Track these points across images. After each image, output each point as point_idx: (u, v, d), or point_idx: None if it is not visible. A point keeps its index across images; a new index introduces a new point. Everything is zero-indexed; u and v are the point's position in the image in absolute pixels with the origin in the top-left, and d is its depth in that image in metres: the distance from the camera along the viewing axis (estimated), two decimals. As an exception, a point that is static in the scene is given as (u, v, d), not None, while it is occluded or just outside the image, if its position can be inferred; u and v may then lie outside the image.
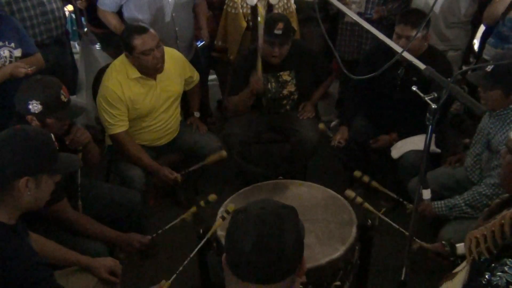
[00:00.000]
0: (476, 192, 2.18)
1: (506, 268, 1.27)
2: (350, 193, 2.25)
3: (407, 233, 1.77)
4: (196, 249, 2.09)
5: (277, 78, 2.98)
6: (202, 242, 2.08)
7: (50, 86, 2.06)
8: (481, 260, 1.39)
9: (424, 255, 1.98)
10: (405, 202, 2.34)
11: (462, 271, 1.49)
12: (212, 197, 2.30)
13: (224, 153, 2.77)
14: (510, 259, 1.28)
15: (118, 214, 2.40)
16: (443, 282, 1.60)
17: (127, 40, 2.50)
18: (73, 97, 3.68)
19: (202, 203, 2.29)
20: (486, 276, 1.31)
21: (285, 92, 3.02)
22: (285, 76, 2.98)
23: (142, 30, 2.50)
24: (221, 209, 2.27)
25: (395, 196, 2.39)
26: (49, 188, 1.64)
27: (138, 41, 2.48)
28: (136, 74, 2.59)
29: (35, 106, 2.00)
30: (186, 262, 2.04)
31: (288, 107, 3.11)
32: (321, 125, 2.98)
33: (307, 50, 3.08)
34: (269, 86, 2.98)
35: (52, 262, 1.83)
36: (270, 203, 1.13)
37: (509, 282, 1.25)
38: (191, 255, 2.08)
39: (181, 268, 2.03)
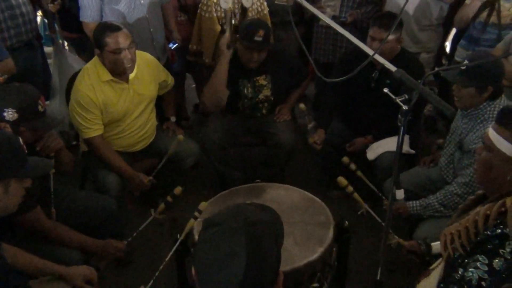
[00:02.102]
0: (448, 191, 2.23)
1: (478, 264, 1.29)
2: (342, 180, 2.28)
3: (383, 224, 1.78)
4: (170, 253, 2.09)
5: (254, 83, 2.98)
6: (176, 245, 2.08)
7: (28, 95, 2.03)
8: (455, 256, 1.41)
9: (400, 252, 2.00)
10: (383, 197, 2.38)
11: (437, 268, 1.52)
12: (178, 190, 2.34)
13: (180, 137, 2.81)
14: (482, 256, 1.30)
15: (94, 221, 2.37)
16: (421, 280, 1.62)
17: (99, 37, 2.48)
18: (46, 103, 3.65)
19: (169, 198, 2.33)
20: (459, 272, 1.33)
21: (261, 96, 3.02)
22: (261, 80, 2.99)
23: (116, 29, 2.49)
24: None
25: (375, 189, 2.42)
26: (18, 193, 1.60)
27: (110, 39, 2.46)
28: (108, 76, 2.56)
29: (10, 114, 1.96)
30: (161, 266, 2.04)
31: (264, 111, 3.12)
32: (301, 106, 3.00)
33: (283, 54, 3.10)
34: (245, 91, 2.99)
35: (26, 272, 1.79)
36: (245, 218, 1.05)
37: (481, 277, 1.27)
38: (166, 259, 2.08)
39: (157, 274, 2.02)
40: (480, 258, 1.29)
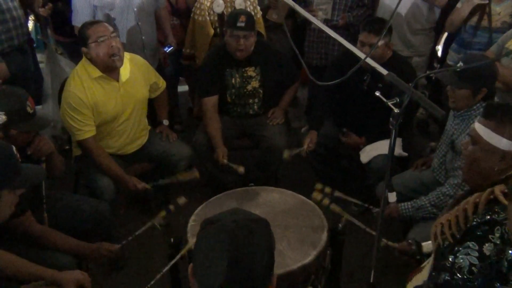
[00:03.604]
0: (440, 192, 2.25)
1: (469, 251, 1.31)
2: (316, 195, 2.28)
3: (374, 233, 1.79)
4: (168, 267, 2.05)
5: (242, 73, 3.00)
6: (175, 259, 2.05)
7: (15, 97, 2.02)
8: (445, 245, 1.42)
9: (392, 255, 2.01)
10: (371, 207, 2.37)
11: (429, 263, 1.53)
12: (182, 200, 2.30)
13: (196, 173, 2.73)
14: (472, 242, 1.32)
15: (87, 225, 2.35)
16: (412, 277, 1.63)
17: (82, 33, 2.52)
18: (38, 108, 3.63)
19: (171, 207, 2.28)
20: (450, 259, 1.35)
21: (249, 87, 3.03)
22: (250, 71, 3.01)
23: (95, 22, 2.56)
24: (192, 217, 2.26)
25: (359, 202, 2.42)
26: (10, 202, 1.59)
27: (90, 31, 2.49)
28: (97, 73, 2.56)
29: None
30: (158, 276, 2.00)
31: (255, 107, 3.12)
32: (286, 153, 2.85)
33: (273, 49, 3.13)
34: (233, 81, 3.00)
35: (17, 277, 1.78)
36: (242, 224, 1.08)
37: (472, 263, 1.30)
38: (163, 271, 2.03)
39: (152, 282, 1.99)
40: (470, 245, 1.32)
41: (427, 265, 1.55)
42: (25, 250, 1.98)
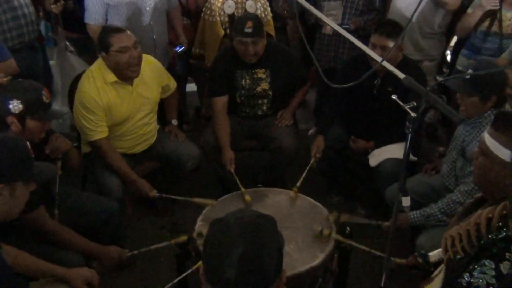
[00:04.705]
0: (450, 200, 2.22)
1: (485, 269, 1.28)
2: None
3: (383, 255, 1.78)
4: (178, 279, 2.01)
5: (252, 74, 3.00)
6: (185, 274, 2.01)
7: (31, 86, 2.05)
8: (457, 259, 1.40)
9: (403, 271, 2.00)
10: (380, 223, 2.32)
11: (440, 274, 1.51)
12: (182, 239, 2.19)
13: (215, 202, 2.39)
14: (488, 260, 1.29)
15: (96, 223, 2.36)
16: (423, 287, 1.62)
17: (104, 39, 2.50)
18: (60, 109, 3.64)
19: (195, 235, 2.15)
20: (465, 278, 1.32)
21: (258, 89, 3.03)
22: (260, 73, 3.00)
23: (119, 30, 2.54)
24: (200, 217, 2.26)
25: (368, 222, 2.38)
26: (24, 196, 1.60)
27: (114, 39, 2.48)
28: (112, 78, 2.56)
29: (15, 106, 1.96)
30: (169, 286, 1.97)
31: (264, 107, 3.12)
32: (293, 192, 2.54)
33: (283, 50, 3.11)
34: (243, 82, 3.00)
35: (27, 273, 1.78)
36: (250, 220, 1.10)
37: (489, 283, 1.27)
38: (174, 282, 2.00)
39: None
40: (486, 263, 1.28)
41: (438, 276, 1.53)
42: (34, 247, 1.99)
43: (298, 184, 2.47)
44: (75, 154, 2.34)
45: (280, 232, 1.15)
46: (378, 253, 2.08)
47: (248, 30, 2.76)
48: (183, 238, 2.16)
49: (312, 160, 2.85)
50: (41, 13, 3.74)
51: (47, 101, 2.06)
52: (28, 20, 3.13)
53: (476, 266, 1.30)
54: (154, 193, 2.63)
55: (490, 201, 1.45)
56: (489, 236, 1.32)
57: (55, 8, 3.44)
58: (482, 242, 1.33)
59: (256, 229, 1.08)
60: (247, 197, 2.38)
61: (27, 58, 3.19)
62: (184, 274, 2.01)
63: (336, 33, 3.38)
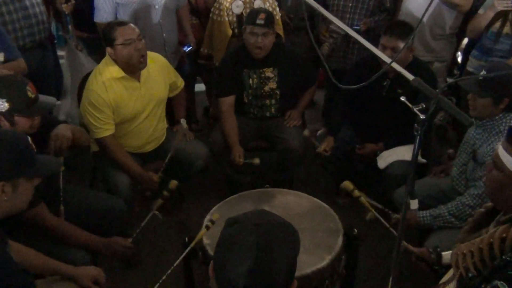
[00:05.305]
0: (460, 202, 2.20)
1: None
2: (348, 184, 2.32)
3: (396, 234, 1.75)
4: (180, 259, 2.06)
5: (260, 74, 3.00)
6: (186, 252, 2.06)
7: (15, 83, 2.01)
8: (469, 276, 1.36)
9: (407, 262, 1.97)
10: (390, 212, 2.35)
11: (449, 286, 1.48)
12: (173, 183, 2.44)
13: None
14: (501, 282, 1.25)
15: (102, 221, 2.36)
16: None
17: (108, 33, 2.52)
18: (57, 103, 3.66)
19: (165, 192, 2.44)
20: None
21: (266, 88, 3.03)
22: (268, 72, 3.00)
23: (122, 23, 2.56)
24: (207, 217, 2.26)
25: (379, 205, 2.39)
26: (27, 192, 1.60)
27: (118, 32, 2.50)
28: (120, 73, 2.57)
29: (1, 105, 1.94)
30: (169, 271, 2.02)
31: (272, 109, 3.11)
32: (306, 132, 3.01)
33: (291, 50, 3.12)
34: (250, 81, 3.00)
35: (33, 271, 1.79)
36: (266, 230, 1.07)
37: None
38: (174, 265, 2.05)
39: (164, 277, 2.01)
40: (499, 285, 1.24)
41: (447, 287, 1.50)
42: (41, 244, 1.99)
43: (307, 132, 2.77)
44: (81, 135, 2.33)
45: (298, 241, 1.14)
46: (392, 230, 2.10)
47: (260, 21, 2.80)
48: (159, 202, 2.37)
49: (321, 147, 2.94)
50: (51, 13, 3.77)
51: (33, 96, 2.03)
52: (39, 19, 3.15)
53: (488, 287, 1.27)
54: (157, 176, 2.72)
55: (503, 213, 1.42)
56: (503, 257, 1.28)
57: (66, 8, 3.47)
58: (495, 262, 1.30)
59: (273, 240, 1.06)
60: (256, 160, 2.69)
61: (38, 57, 3.22)
62: (182, 256, 2.06)
63: (344, 35, 3.36)
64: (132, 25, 2.57)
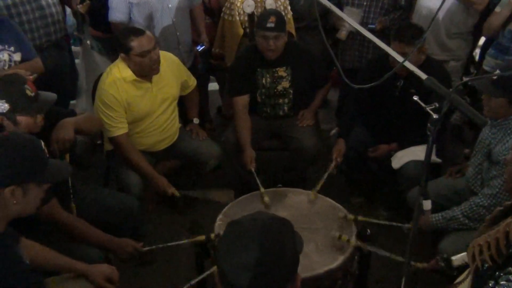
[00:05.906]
0: (474, 203, 2.16)
1: (511, 277, 1.24)
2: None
3: (403, 260, 1.75)
4: (198, 279, 2.03)
5: (273, 73, 2.99)
6: (204, 275, 2.03)
7: (12, 83, 2.00)
8: (484, 268, 1.36)
9: (424, 275, 1.96)
10: (399, 225, 2.28)
11: (465, 282, 1.47)
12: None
13: (232, 195, 2.57)
14: None
15: (115, 220, 2.38)
16: None
17: (124, 41, 2.53)
18: (72, 102, 3.71)
19: (213, 236, 2.18)
20: (490, 285, 1.28)
21: (279, 88, 3.02)
22: (281, 72, 2.99)
23: (139, 32, 2.54)
24: (219, 216, 2.26)
25: (387, 223, 2.36)
26: (37, 196, 1.60)
27: (135, 43, 2.50)
28: (131, 77, 2.59)
29: (1, 106, 1.94)
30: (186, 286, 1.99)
31: (286, 108, 3.10)
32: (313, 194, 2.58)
33: (304, 49, 3.10)
34: (264, 81, 3.00)
35: (47, 268, 1.81)
36: (264, 224, 1.09)
37: None
38: (192, 283, 2.01)
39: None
40: None
41: (463, 284, 1.49)
42: (56, 241, 2.02)
43: (318, 188, 2.45)
44: (85, 122, 2.31)
45: (299, 235, 1.14)
46: (398, 258, 2.04)
47: (270, 25, 2.78)
48: (201, 238, 2.17)
49: (333, 163, 2.80)
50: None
51: (32, 94, 2.01)
52: (56, 19, 3.18)
53: (502, 274, 1.27)
54: (172, 190, 2.64)
55: None
56: None
57: (81, 8, 3.50)
58: (511, 250, 1.29)
59: (273, 233, 1.07)
60: (266, 198, 2.38)
61: (54, 57, 3.25)
62: (203, 275, 2.01)
63: (358, 33, 3.33)
64: (148, 33, 2.56)
